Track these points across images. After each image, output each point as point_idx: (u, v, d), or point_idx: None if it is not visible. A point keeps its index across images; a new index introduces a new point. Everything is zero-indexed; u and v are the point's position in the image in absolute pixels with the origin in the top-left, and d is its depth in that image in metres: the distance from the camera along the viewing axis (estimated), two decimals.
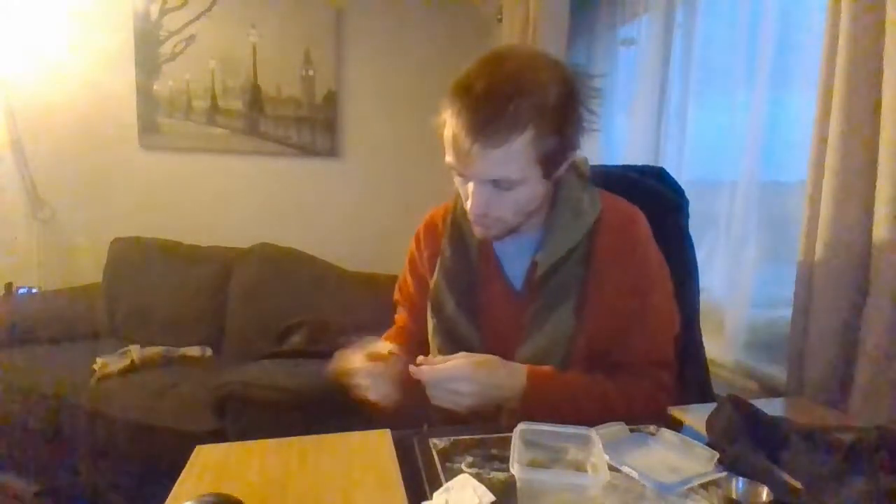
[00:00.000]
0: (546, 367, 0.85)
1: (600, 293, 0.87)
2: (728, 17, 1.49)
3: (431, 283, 0.97)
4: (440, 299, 0.95)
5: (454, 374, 0.79)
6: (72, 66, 2.47)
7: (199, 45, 2.54)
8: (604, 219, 0.89)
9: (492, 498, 0.57)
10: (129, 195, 2.61)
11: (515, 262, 0.93)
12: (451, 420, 0.84)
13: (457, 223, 0.97)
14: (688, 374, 0.99)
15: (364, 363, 0.85)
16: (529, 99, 0.75)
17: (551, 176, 0.83)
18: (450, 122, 0.79)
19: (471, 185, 0.81)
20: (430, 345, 0.96)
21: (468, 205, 0.83)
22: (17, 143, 2.46)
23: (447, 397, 0.79)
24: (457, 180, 0.86)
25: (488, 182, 0.80)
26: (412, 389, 0.82)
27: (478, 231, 0.88)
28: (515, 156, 0.77)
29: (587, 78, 0.83)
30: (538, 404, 0.81)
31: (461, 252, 0.95)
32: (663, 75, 1.70)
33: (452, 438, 0.75)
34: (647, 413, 0.83)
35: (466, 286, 0.94)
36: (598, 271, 0.87)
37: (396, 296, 1.10)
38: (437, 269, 0.97)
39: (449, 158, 0.82)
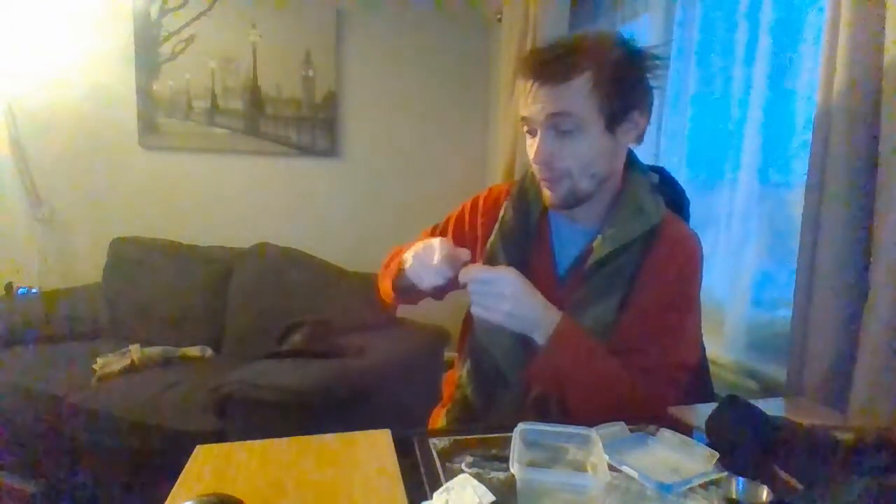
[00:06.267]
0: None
1: (643, 296, 0.88)
2: (728, 17, 1.49)
3: (488, 244, 0.99)
4: (494, 255, 0.96)
5: (502, 273, 0.84)
6: (72, 66, 2.47)
7: (199, 45, 2.54)
8: (664, 229, 0.91)
9: (492, 498, 0.57)
10: (129, 195, 2.61)
11: (566, 248, 0.95)
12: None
13: (524, 191, 0.99)
14: None
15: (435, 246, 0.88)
16: (588, 50, 0.83)
17: (614, 130, 0.85)
18: (520, 83, 0.87)
19: (537, 139, 0.86)
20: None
21: (531, 155, 0.87)
22: (17, 143, 2.46)
23: (487, 300, 0.82)
24: (528, 142, 0.89)
25: (551, 128, 0.84)
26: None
27: (547, 192, 0.90)
28: (574, 94, 0.82)
29: (649, 50, 0.88)
30: (563, 348, 0.84)
31: (523, 217, 0.97)
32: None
33: (452, 438, 0.75)
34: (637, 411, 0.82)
35: (520, 249, 0.95)
36: (647, 275, 0.89)
37: (425, 233, 1.10)
38: (494, 231, 0.99)
39: (520, 113, 0.88)
